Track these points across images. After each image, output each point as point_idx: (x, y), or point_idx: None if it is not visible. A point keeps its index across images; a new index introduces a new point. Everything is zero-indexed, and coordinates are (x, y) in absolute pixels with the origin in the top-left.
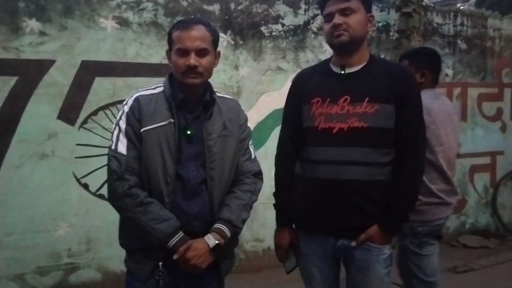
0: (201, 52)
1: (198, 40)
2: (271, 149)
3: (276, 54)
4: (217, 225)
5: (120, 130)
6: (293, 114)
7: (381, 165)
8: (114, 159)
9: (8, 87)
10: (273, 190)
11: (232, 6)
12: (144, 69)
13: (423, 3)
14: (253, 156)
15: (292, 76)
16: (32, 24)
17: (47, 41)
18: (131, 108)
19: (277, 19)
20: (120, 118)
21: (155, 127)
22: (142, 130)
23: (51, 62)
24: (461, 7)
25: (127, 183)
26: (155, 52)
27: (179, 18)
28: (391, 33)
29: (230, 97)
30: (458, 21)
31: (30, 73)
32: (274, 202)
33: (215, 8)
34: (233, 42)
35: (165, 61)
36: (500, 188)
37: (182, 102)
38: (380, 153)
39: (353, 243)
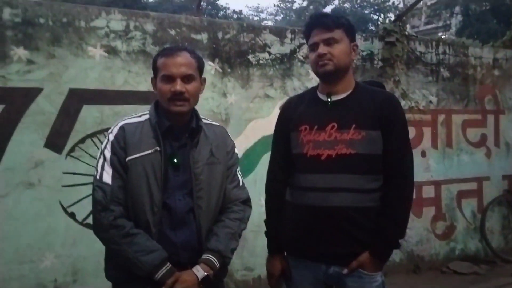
0: (186, 78)
1: (184, 67)
2: (260, 176)
3: (263, 82)
4: (206, 256)
5: (105, 159)
6: (282, 141)
7: (369, 191)
8: (99, 189)
9: None
10: (263, 217)
11: (220, 35)
12: (132, 96)
13: (406, 33)
14: (241, 183)
15: (280, 103)
16: (20, 52)
17: (35, 69)
18: (116, 137)
19: (264, 47)
20: (105, 147)
21: (141, 155)
22: (127, 159)
23: (39, 90)
24: (442, 36)
25: (113, 214)
26: (143, 80)
27: (167, 46)
28: (375, 62)
29: (217, 123)
30: (440, 49)
31: (17, 101)
32: (265, 229)
33: (203, 37)
34: (221, 70)
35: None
36: (488, 213)
37: (168, 129)
38: (369, 179)
39: (345, 271)
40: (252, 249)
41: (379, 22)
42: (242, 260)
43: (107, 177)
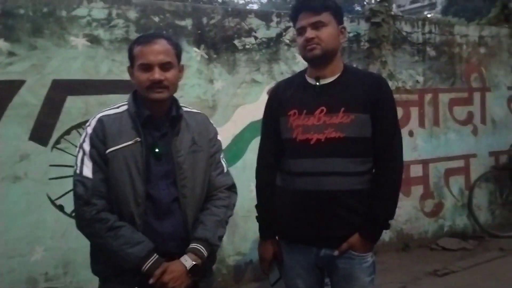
0: (165, 66)
1: (161, 54)
2: (250, 162)
3: (250, 67)
4: (193, 245)
5: (84, 153)
6: (271, 126)
7: (359, 174)
8: (80, 183)
9: None
10: (254, 202)
11: (205, 20)
12: (117, 86)
13: (392, 13)
14: (225, 170)
15: (267, 88)
16: (0, 44)
17: (17, 61)
18: (94, 130)
19: (249, 32)
20: (84, 140)
21: (121, 147)
22: (107, 151)
23: (21, 83)
24: (428, 15)
25: (95, 208)
26: None
27: (143, 34)
28: (362, 43)
29: (198, 111)
30: (426, 29)
31: (0, 94)
32: (256, 214)
33: (188, 23)
34: (206, 56)
35: None
36: (475, 190)
37: (148, 119)
38: (358, 163)
39: (336, 252)
40: (244, 234)
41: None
42: (233, 245)
43: (88, 171)
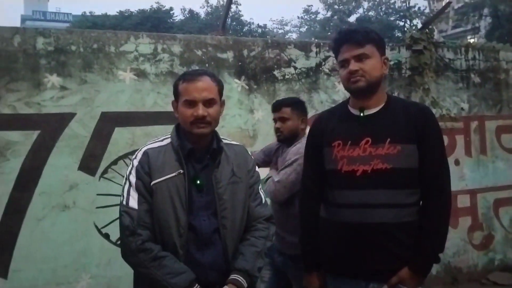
0: (208, 102)
1: (205, 91)
2: None
3: (290, 96)
4: (233, 276)
5: (130, 185)
6: (315, 157)
7: (407, 206)
8: (126, 214)
9: (31, 141)
10: None
11: (245, 52)
12: (162, 117)
13: (433, 40)
14: (263, 201)
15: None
16: (53, 79)
17: (68, 95)
18: (140, 162)
19: (289, 62)
20: (130, 172)
21: (165, 179)
22: (152, 183)
23: (72, 115)
24: (471, 39)
25: (140, 238)
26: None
27: (194, 66)
28: (403, 71)
29: (237, 143)
30: (470, 55)
31: (52, 126)
32: (300, 247)
33: (229, 55)
34: (247, 87)
35: None
36: None
37: (190, 152)
38: (406, 194)
39: (385, 287)
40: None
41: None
42: None
43: (133, 202)
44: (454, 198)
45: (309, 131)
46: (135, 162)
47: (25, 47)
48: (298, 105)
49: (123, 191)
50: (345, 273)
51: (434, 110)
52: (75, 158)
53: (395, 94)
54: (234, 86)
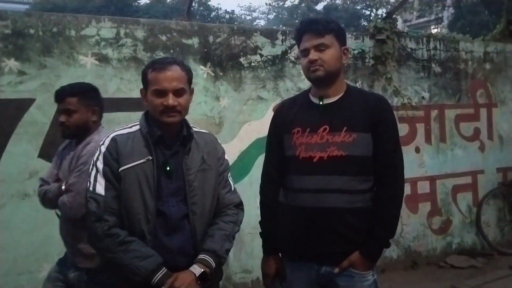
0: (178, 92)
1: (175, 81)
2: (256, 178)
3: (256, 84)
4: (201, 256)
5: (97, 171)
6: (276, 144)
7: (360, 192)
8: (93, 200)
9: None
10: (259, 219)
11: (211, 38)
12: (125, 103)
13: (396, 30)
14: (232, 188)
15: (273, 105)
16: (11, 63)
17: (27, 80)
18: (108, 148)
19: (255, 50)
20: (98, 158)
21: (133, 165)
22: (120, 169)
23: (31, 101)
24: (434, 29)
25: (107, 224)
26: (136, 86)
27: (158, 52)
28: (367, 60)
29: (206, 131)
30: (431, 45)
31: (10, 112)
32: (260, 230)
33: (194, 41)
34: (213, 74)
35: None
36: (483, 206)
37: (159, 138)
38: (360, 181)
39: (336, 270)
40: (250, 251)
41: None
42: (240, 262)
43: (100, 188)
44: (414, 185)
45: (272, 118)
46: (103, 148)
47: None
48: (86, 94)
49: (89, 177)
50: (300, 257)
51: (395, 99)
52: (35, 145)
53: (359, 82)
54: (199, 73)
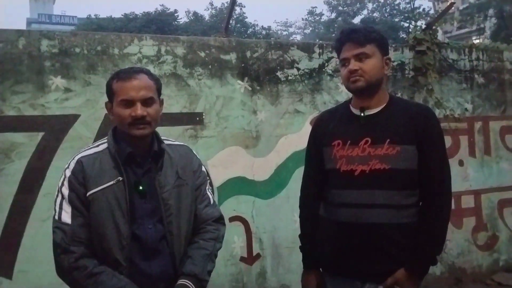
0: (146, 102)
1: (143, 90)
2: (293, 192)
3: (293, 98)
4: (181, 281)
5: (63, 198)
6: (315, 156)
7: (405, 207)
8: (59, 230)
9: (35, 143)
10: (297, 233)
11: (248, 54)
12: (165, 118)
13: (437, 41)
14: (211, 201)
15: (310, 118)
16: (57, 81)
17: (72, 97)
18: (73, 172)
19: (292, 63)
20: (62, 184)
21: (102, 188)
22: (88, 194)
23: (76, 117)
24: (476, 40)
25: (73, 256)
26: (175, 102)
27: (197, 68)
28: (406, 71)
29: (181, 143)
30: (474, 56)
31: (56, 128)
32: (300, 244)
33: (232, 57)
34: (250, 88)
35: (185, 110)
36: None
37: (129, 156)
38: (404, 195)
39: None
40: (288, 266)
41: (409, 30)
42: (278, 277)
43: (66, 217)
44: (458, 199)
45: (311, 130)
46: (68, 173)
47: (30, 49)
48: None
49: (55, 204)
50: (341, 273)
51: (437, 111)
52: None
53: (399, 94)
54: (237, 87)
